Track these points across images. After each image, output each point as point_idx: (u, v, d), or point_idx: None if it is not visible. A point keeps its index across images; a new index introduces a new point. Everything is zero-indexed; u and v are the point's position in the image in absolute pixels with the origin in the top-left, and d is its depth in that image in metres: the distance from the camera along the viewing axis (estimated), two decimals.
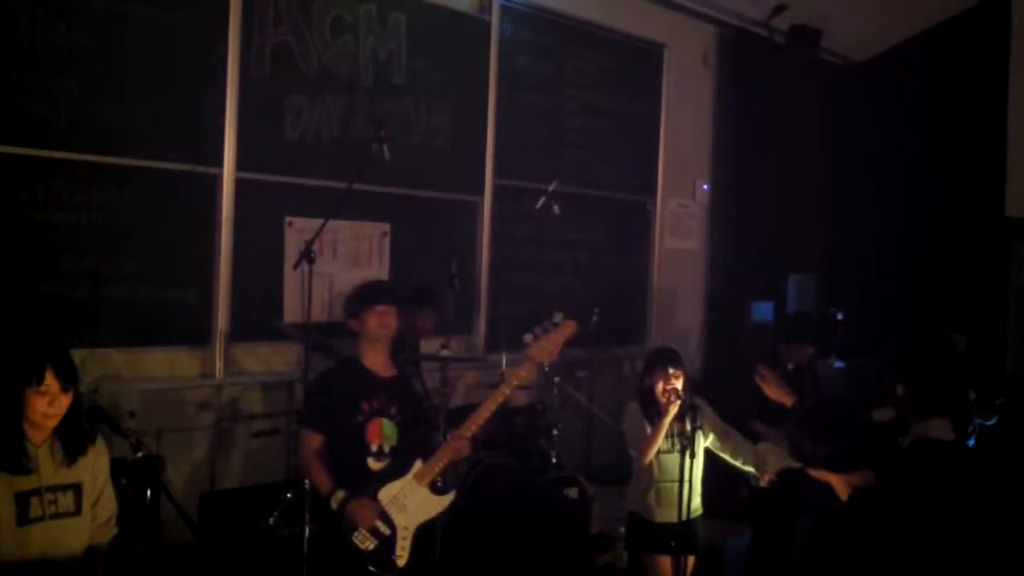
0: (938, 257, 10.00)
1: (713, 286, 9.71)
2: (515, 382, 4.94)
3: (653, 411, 5.37)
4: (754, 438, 6.11)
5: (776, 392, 5.41)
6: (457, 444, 4.87)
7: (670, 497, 5.42)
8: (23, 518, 3.73)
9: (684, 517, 5.26)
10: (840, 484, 4.77)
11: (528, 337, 4.95)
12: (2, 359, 3.85)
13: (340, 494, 4.70)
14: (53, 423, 3.81)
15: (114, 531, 4.08)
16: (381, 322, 4.95)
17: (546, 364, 5.08)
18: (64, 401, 3.80)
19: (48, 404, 3.75)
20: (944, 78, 10.11)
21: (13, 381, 3.74)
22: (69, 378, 3.81)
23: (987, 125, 9.91)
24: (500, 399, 4.90)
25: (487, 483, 6.13)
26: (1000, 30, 9.80)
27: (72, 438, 3.90)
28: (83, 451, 3.92)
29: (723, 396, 7.55)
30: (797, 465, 6.03)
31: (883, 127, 10.44)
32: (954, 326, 7.44)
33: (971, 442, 5.09)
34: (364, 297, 5.00)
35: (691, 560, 5.45)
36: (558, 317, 5.08)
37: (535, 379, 4.96)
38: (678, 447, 5.32)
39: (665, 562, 5.43)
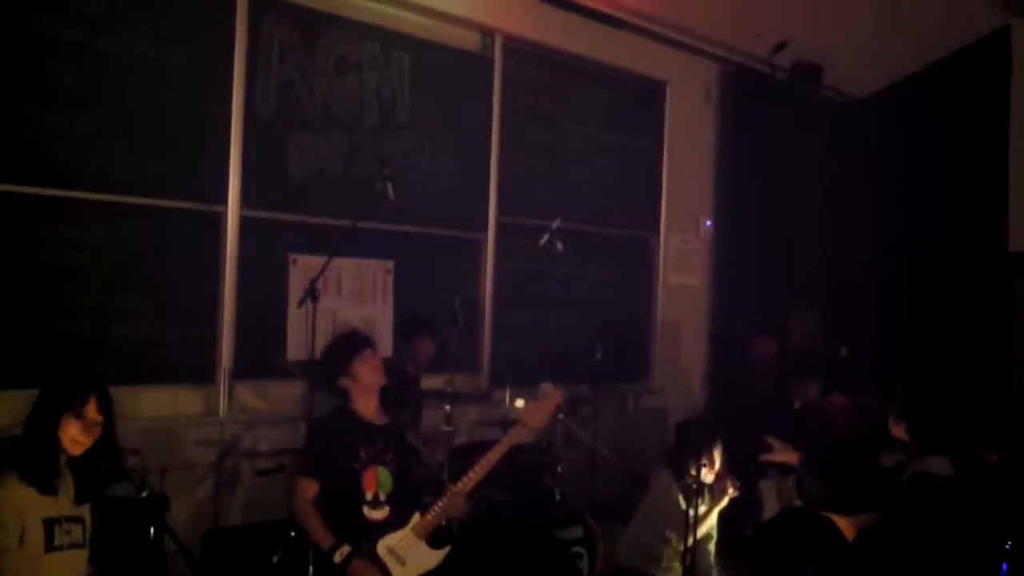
0: (941, 292, 9.98)
1: (716, 322, 9.69)
2: (508, 443, 5.04)
3: (689, 489, 5.34)
4: (763, 469, 6.14)
5: (784, 456, 5.39)
6: (452, 501, 4.94)
7: (674, 565, 5.46)
8: (49, 544, 3.86)
9: None
10: (847, 526, 4.77)
11: (520, 403, 5.14)
12: (48, 383, 4.00)
13: (345, 549, 4.70)
14: (79, 451, 3.94)
15: (92, 569, 4.15)
16: (373, 367, 4.99)
17: (536, 429, 5.19)
18: (97, 431, 3.91)
19: (81, 430, 3.89)
20: (945, 113, 10.13)
21: (56, 405, 3.90)
22: (106, 412, 3.95)
23: (989, 160, 9.92)
24: (495, 459, 5.00)
25: (486, 526, 6.12)
26: (1001, 65, 9.83)
27: (87, 476, 3.99)
28: (92, 495, 4.01)
29: (727, 432, 7.57)
30: (798, 503, 6.03)
31: (885, 163, 10.45)
32: (958, 362, 7.43)
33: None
34: (347, 349, 5.01)
35: None
36: (547, 387, 5.42)
37: (522, 440, 5.12)
38: None
39: None
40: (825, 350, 8.99)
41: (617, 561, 5.93)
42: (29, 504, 3.81)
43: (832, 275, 10.44)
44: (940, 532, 3.96)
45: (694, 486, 5.31)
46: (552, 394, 5.19)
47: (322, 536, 4.74)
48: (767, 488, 6.62)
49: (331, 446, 4.88)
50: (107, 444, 4.02)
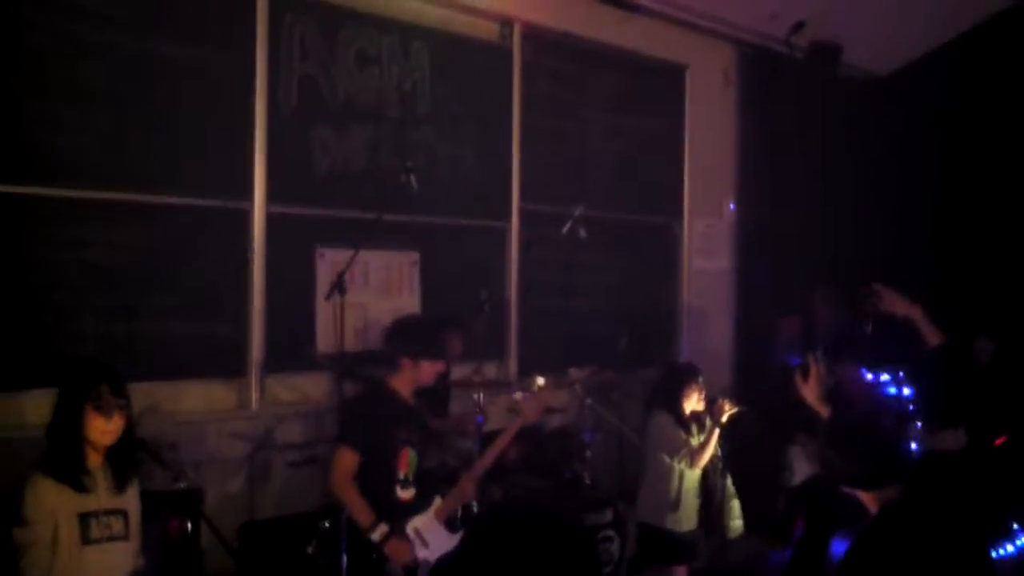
0: (971, 265, 9.95)
1: (743, 305, 9.70)
2: (512, 431, 5.31)
3: (685, 419, 5.73)
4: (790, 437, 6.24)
5: (815, 397, 5.41)
6: (465, 486, 5.16)
7: (688, 508, 5.62)
8: (85, 538, 3.92)
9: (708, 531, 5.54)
10: (871, 501, 4.78)
11: (518, 395, 5.31)
12: (61, 382, 4.05)
13: (384, 528, 4.80)
14: (109, 440, 4.01)
15: (143, 560, 4.19)
16: (436, 371, 5.17)
17: (534, 418, 5.48)
18: (119, 420, 3.99)
19: (106, 421, 3.94)
20: (970, 89, 10.08)
21: (74, 400, 3.96)
22: (122, 395, 4.00)
23: (1015, 129, 9.89)
24: (502, 446, 5.28)
25: (510, 512, 6.18)
26: (1021, 37, 9.78)
27: (123, 464, 4.06)
28: (130, 480, 4.07)
29: (756, 415, 7.61)
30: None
31: (909, 138, 10.41)
32: (983, 331, 7.40)
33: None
34: (431, 350, 5.16)
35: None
36: (540, 380, 5.91)
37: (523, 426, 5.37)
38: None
39: (682, 573, 5.60)
40: (851, 327, 8.97)
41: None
42: (62, 501, 3.87)
43: (859, 253, 10.41)
44: (953, 508, 3.99)
45: (689, 415, 5.82)
46: (544, 387, 5.70)
47: (362, 512, 4.83)
48: (796, 453, 6.66)
49: (373, 422, 4.97)
50: (129, 432, 4.09)
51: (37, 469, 3.91)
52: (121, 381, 4.06)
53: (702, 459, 5.71)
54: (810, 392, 5.28)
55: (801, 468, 6.58)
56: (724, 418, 5.76)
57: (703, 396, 5.87)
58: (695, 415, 5.89)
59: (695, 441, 5.80)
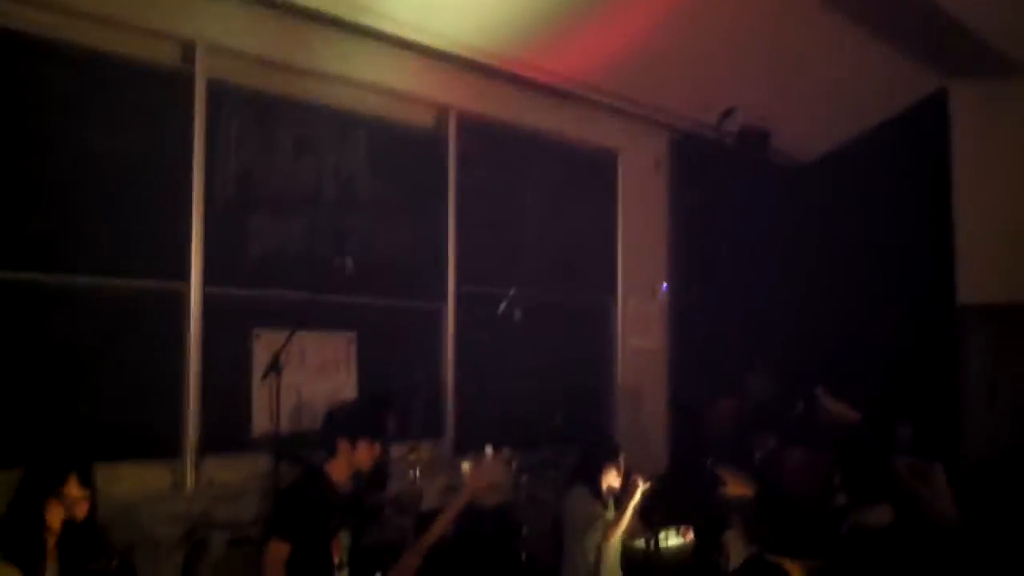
0: (895, 348, 10.20)
1: (676, 384, 9.86)
2: (458, 504, 5.31)
3: (602, 494, 5.98)
4: (726, 521, 6.33)
5: (737, 489, 5.59)
6: (408, 562, 5.13)
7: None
8: None
9: None
10: (797, 571, 4.90)
11: (465, 465, 5.36)
12: (28, 465, 4.09)
13: None
14: (58, 527, 3.98)
15: None
16: (372, 455, 5.15)
17: (481, 489, 5.51)
18: (83, 508, 3.98)
19: (63, 511, 3.95)
20: (891, 174, 10.43)
21: (36, 487, 3.98)
22: (89, 485, 4.05)
23: (934, 217, 10.23)
24: (448, 520, 5.25)
25: None
26: (941, 125, 10.17)
27: (74, 552, 4.06)
28: (76, 572, 4.06)
29: (689, 493, 7.72)
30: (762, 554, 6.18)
31: (834, 223, 10.73)
32: (904, 416, 7.62)
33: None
34: (367, 428, 5.16)
35: None
36: (489, 450, 5.91)
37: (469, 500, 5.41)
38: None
39: None
40: (781, 405, 9.15)
41: None
42: None
43: (788, 333, 10.64)
44: None
45: (606, 490, 5.98)
46: (493, 456, 5.75)
47: None
48: (732, 538, 6.76)
49: (305, 512, 4.99)
50: (89, 520, 4.10)
51: None
52: (89, 470, 4.09)
53: (616, 532, 5.84)
54: (733, 488, 5.44)
55: (737, 552, 6.68)
56: (638, 493, 5.89)
57: (621, 472, 6.00)
58: (612, 491, 6.01)
59: (610, 515, 5.92)
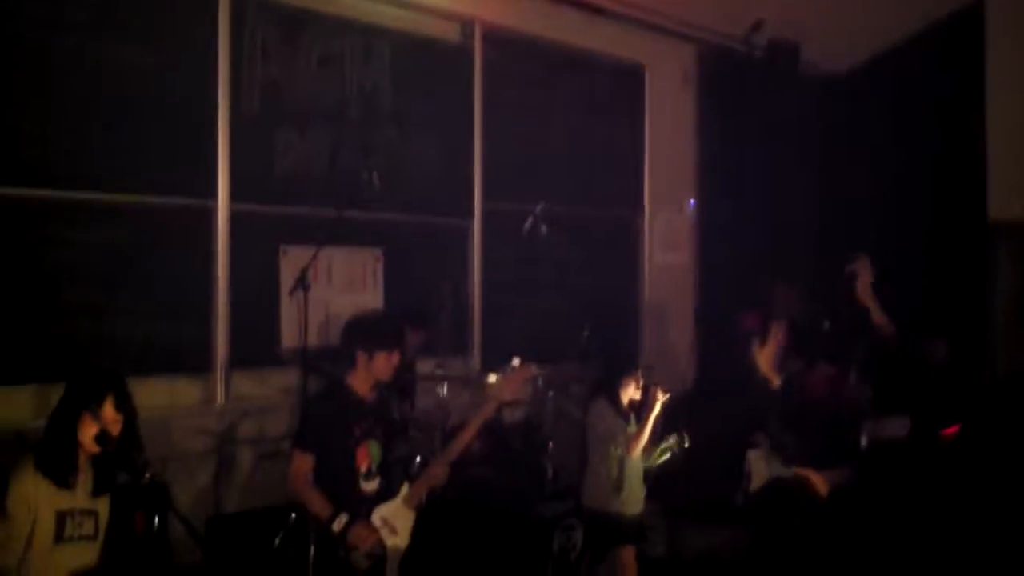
0: (924, 263, 10.12)
1: (703, 299, 9.84)
2: (484, 415, 5.33)
3: (624, 409, 5.96)
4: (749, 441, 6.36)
5: (768, 364, 5.52)
6: (435, 471, 5.19)
7: (632, 492, 5.79)
8: (59, 535, 3.97)
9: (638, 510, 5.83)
10: (820, 482, 4.94)
11: (492, 377, 5.33)
12: (69, 382, 4.15)
13: (344, 518, 4.86)
14: (94, 449, 4.05)
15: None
16: (391, 366, 5.16)
17: (508, 400, 5.52)
18: (116, 429, 4.02)
19: (99, 430, 3.98)
20: (923, 86, 10.25)
21: (74, 404, 4.04)
22: (125, 408, 4.08)
23: (967, 130, 10.07)
24: (473, 430, 5.28)
25: (464, 503, 6.29)
26: (976, 35, 9.96)
27: (105, 472, 4.11)
28: (108, 489, 4.14)
29: (715, 409, 7.73)
30: (788, 473, 6.22)
31: (865, 136, 10.57)
32: (936, 333, 7.57)
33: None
34: (384, 339, 5.16)
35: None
36: (516, 361, 5.69)
37: (494, 412, 5.41)
38: None
39: (631, 553, 5.76)
40: (808, 323, 9.12)
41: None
42: (43, 496, 3.95)
43: (817, 249, 10.57)
44: (896, 497, 4.14)
45: (629, 403, 5.96)
46: (520, 367, 5.55)
47: (320, 507, 4.90)
48: (755, 458, 6.78)
49: (327, 423, 5.03)
50: (130, 436, 4.16)
51: (27, 460, 3.99)
52: (126, 392, 4.15)
53: (638, 446, 5.85)
54: (764, 359, 5.37)
55: (759, 473, 6.70)
56: (657, 405, 5.89)
57: (640, 386, 6.00)
58: (633, 404, 6.02)
59: (631, 429, 5.94)
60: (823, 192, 10.59)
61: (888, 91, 10.42)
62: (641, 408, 6.00)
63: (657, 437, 6.01)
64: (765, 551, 6.58)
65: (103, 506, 4.21)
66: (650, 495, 6.11)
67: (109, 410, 4.04)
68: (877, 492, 4.15)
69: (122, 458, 4.14)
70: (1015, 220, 9.86)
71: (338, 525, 4.85)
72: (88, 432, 4.02)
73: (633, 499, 5.94)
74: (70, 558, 4.04)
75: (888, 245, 10.28)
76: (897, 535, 4.10)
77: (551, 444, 7.02)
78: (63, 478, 3.99)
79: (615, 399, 5.97)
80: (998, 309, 9.94)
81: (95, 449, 4.05)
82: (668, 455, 6.01)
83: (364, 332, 5.19)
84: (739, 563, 6.84)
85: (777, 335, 5.66)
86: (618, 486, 5.85)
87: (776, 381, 5.34)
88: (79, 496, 4.08)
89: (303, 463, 4.96)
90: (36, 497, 3.94)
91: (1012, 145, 9.86)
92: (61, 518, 4.01)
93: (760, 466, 6.58)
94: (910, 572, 3.99)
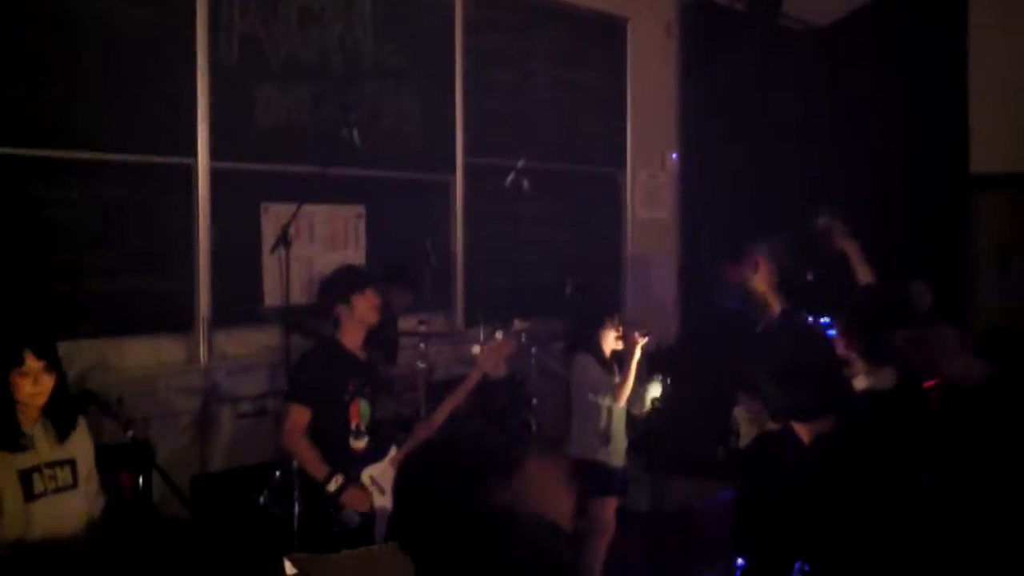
0: (906, 216, 10.16)
1: (686, 254, 9.84)
2: (469, 384, 5.32)
3: (606, 359, 5.91)
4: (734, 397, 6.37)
5: (767, 285, 5.46)
6: (423, 435, 5.20)
7: (617, 442, 5.81)
8: (29, 494, 3.87)
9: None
10: (805, 432, 4.93)
11: (476, 348, 5.33)
12: None
13: (339, 478, 4.87)
14: (40, 401, 3.91)
15: (103, 499, 4.24)
16: (373, 305, 5.12)
17: (491, 371, 5.44)
18: (47, 380, 3.93)
19: (32, 384, 3.89)
20: (906, 39, 10.26)
21: None
22: (49, 358, 3.95)
23: (949, 84, 10.08)
24: (460, 397, 5.29)
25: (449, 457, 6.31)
26: None
27: (60, 416, 4.03)
28: (72, 427, 4.06)
29: (699, 363, 7.76)
30: (775, 427, 6.25)
31: (848, 90, 10.59)
32: (919, 277, 7.60)
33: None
34: (353, 283, 5.13)
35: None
36: (499, 334, 5.74)
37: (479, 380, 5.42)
38: None
39: (612, 506, 5.79)
40: (792, 273, 9.13)
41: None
42: None
43: (798, 202, 10.57)
44: (883, 442, 4.16)
45: (610, 355, 5.92)
46: (503, 339, 5.54)
47: (316, 465, 4.89)
48: (740, 415, 6.82)
49: (322, 376, 5.03)
50: (62, 385, 4.09)
51: None
52: (46, 340, 3.99)
53: (623, 394, 5.85)
54: (761, 281, 5.30)
55: (747, 431, 6.74)
56: (637, 349, 5.88)
57: (620, 334, 5.96)
58: (616, 354, 6.00)
59: (616, 379, 5.93)
60: (805, 145, 10.59)
61: (870, 44, 10.41)
62: (623, 355, 5.99)
63: (642, 382, 6.00)
64: (752, 505, 6.63)
65: (79, 449, 4.07)
66: (632, 448, 6.12)
67: (32, 361, 3.95)
68: (862, 441, 4.15)
69: (64, 410, 4.07)
70: (996, 173, 9.90)
71: (334, 485, 4.86)
72: (24, 389, 3.93)
73: (619, 451, 5.95)
74: (49, 512, 3.91)
75: (870, 197, 10.32)
76: (882, 486, 4.12)
77: (535, 400, 7.04)
78: (11, 442, 3.85)
79: (596, 351, 5.95)
80: (979, 261, 10.01)
81: (38, 402, 3.99)
82: (655, 400, 5.99)
83: (333, 285, 5.18)
84: (723, 518, 6.90)
85: (763, 257, 5.60)
86: (606, 438, 5.86)
87: (776, 305, 5.23)
88: (42, 450, 3.93)
89: (300, 416, 4.93)
90: None
91: (994, 99, 9.88)
92: (27, 476, 3.86)
93: (746, 423, 6.62)
94: (894, 524, 4.01)
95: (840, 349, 4.62)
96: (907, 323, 6.10)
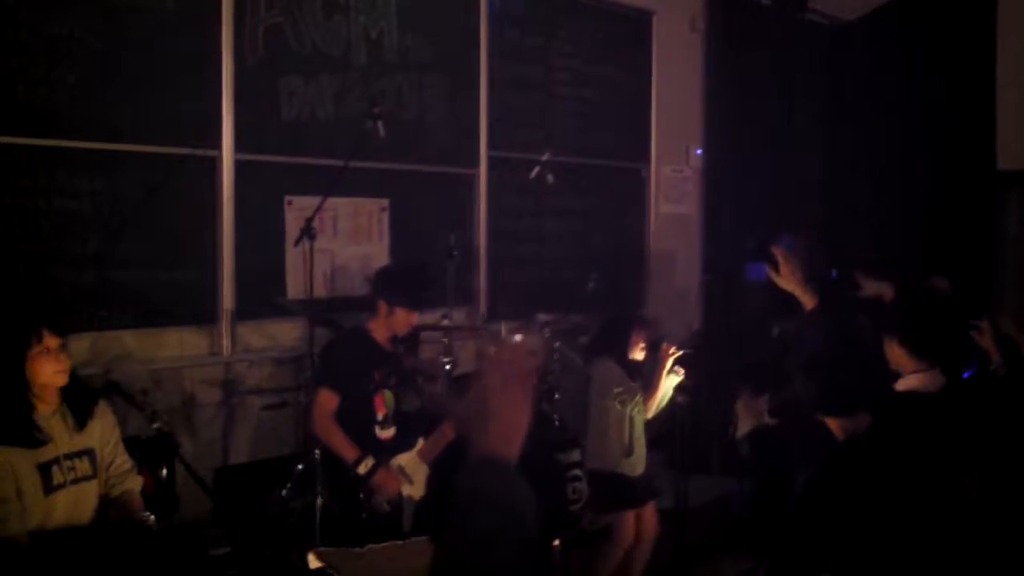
0: (933, 213, 10.09)
1: (709, 250, 9.79)
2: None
3: (631, 367, 5.85)
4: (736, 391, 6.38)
5: (795, 283, 5.35)
6: (448, 429, 5.20)
7: (638, 450, 5.76)
8: (48, 487, 3.88)
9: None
10: (838, 429, 4.88)
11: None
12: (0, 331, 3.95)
13: (370, 461, 4.91)
14: (61, 381, 3.94)
15: (140, 479, 4.24)
16: (408, 324, 5.33)
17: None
18: (66, 360, 3.94)
19: (55, 362, 3.90)
20: (934, 33, 10.17)
21: (14, 348, 3.86)
22: (63, 334, 3.95)
23: (977, 80, 10.00)
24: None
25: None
26: None
27: (78, 402, 4.03)
28: (91, 414, 4.06)
29: (721, 358, 7.72)
30: (768, 422, 6.25)
31: (874, 85, 10.50)
32: (940, 273, 7.53)
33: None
34: (408, 298, 5.28)
35: (652, 505, 5.89)
36: (517, 338, 6.10)
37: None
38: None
39: (632, 516, 5.74)
40: (815, 273, 9.07)
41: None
42: (15, 459, 3.80)
43: (826, 199, 10.52)
44: (920, 441, 4.10)
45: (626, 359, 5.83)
46: (522, 340, 5.81)
47: (346, 447, 4.94)
48: (740, 408, 6.83)
49: (350, 363, 5.08)
50: (75, 375, 4.05)
51: None
52: (59, 320, 4.03)
53: (654, 402, 5.80)
54: (786, 281, 5.19)
55: (744, 423, 6.74)
56: (669, 362, 5.81)
57: (648, 345, 5.90)
58: (636, 364, 5.93)
59: (641, 391, 5.86)
60: (832, 141, 10.52)
61: (897, 39, 10.33)
62: (652, 365, 5.93)
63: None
64: (771, 507, 6.60)
65: (96, 436, 4.08)
66: (652, 446, 6.06)
67: (50, 339, 3.92)
68: (895, 443, 4.10)
69: (81, 396, 4.06)
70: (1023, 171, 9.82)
71: (364, 467, 4.90)
72: (46, 368, 3.89)
73: (640, 456, 5.88)
74: (68, 503, 3.94)
75: (896, 193, 10.25)
76: (919, 491, 4.07)
77: (557, 395, 7.02)
78: (26, 439, 3.83)
79: (623, 359, 5.86)
80: (1006, 259, 9.92)
81: (61, 381, 3.95)
82: (673, 395, 5.94)
83: (391, 284, 5.26)
84: (745, 512, 6.88)
85: (787, 253, 5.48)
86: (629, 451, 5.79)
87: (810, 301, 5.10)
88: (60, 442, 3.94)
89: (329, 401, 5.01)
90: (8, 464, 3.78)
91: (1022, 94, 9.80)
92: (46, 469, 3.87)
93: (745, 416, 6.62)
94: (934, 532, 3.95)
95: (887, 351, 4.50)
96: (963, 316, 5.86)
